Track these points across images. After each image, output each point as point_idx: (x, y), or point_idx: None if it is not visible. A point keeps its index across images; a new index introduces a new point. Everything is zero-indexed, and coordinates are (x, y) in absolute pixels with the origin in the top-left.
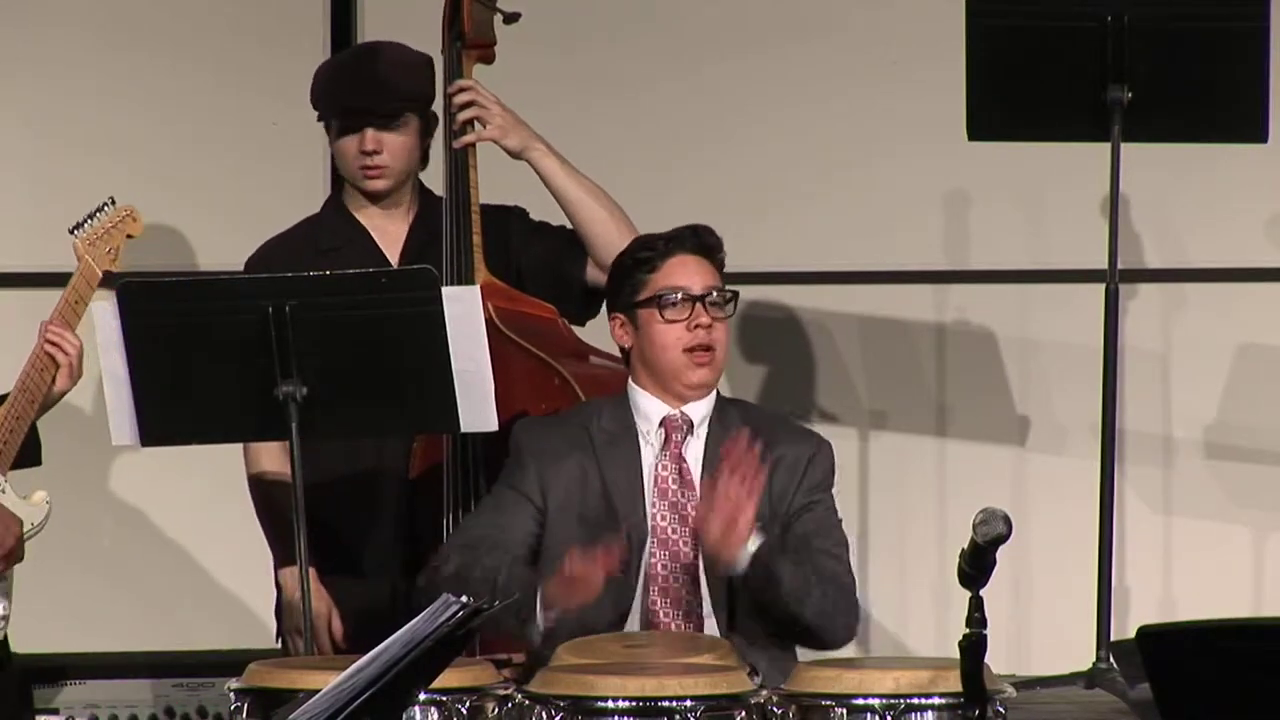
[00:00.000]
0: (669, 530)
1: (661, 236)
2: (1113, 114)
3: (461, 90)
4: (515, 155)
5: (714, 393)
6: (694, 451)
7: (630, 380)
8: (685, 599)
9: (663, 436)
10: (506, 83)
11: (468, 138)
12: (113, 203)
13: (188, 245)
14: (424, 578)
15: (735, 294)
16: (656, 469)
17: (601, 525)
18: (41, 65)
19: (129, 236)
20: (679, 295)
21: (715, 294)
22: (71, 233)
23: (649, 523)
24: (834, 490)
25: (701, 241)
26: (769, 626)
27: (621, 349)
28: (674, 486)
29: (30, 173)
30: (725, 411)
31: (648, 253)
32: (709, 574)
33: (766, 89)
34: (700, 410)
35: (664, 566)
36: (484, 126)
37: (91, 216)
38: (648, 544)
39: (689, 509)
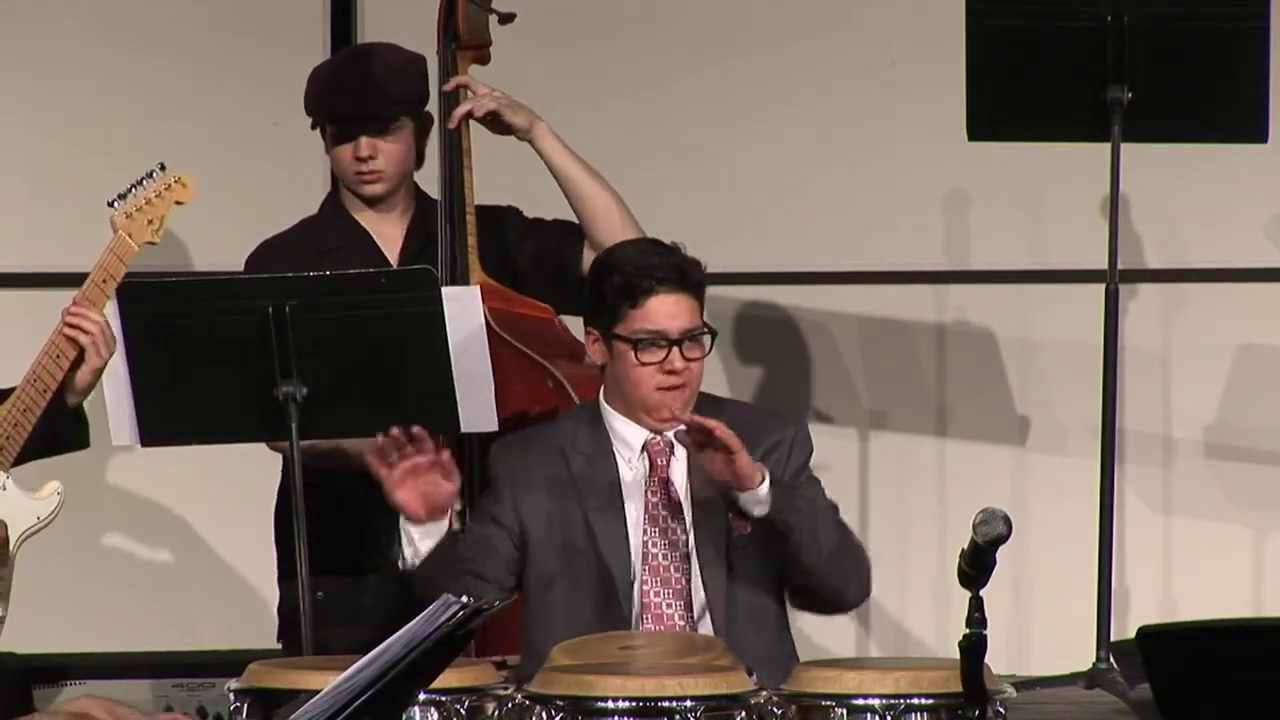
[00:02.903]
0: (660, 558)
1: (646, 271)
2: (1113, 114)
3: (459, 88)
4: (521, 133)
5: None
6: (677, 472)
7: (603, 397)
8: (680, 626)
9: (647, 462)
10: (502, 83)
11: (466, 106)
12: (162, 168)
13: (187, 245)
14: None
15: (714, 333)
16: (646, 495)
17: (584, 556)
18: (41, 65)
19: (178, 203)
20: (656, 339)
21: (692, 336)
22: (110, 205)
23: (641, 551)
24: (812, 463)
25: (686, 279)
26: (788, 587)
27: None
28: (664, 513)
29: (30, 173)
30: (700, 415)
31: (628, 285)
32: (710, 599)
33: (766, 89)
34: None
35: (657, 594)
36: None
37: (135, 186)
38: (640, 573)
39: (679, 533)
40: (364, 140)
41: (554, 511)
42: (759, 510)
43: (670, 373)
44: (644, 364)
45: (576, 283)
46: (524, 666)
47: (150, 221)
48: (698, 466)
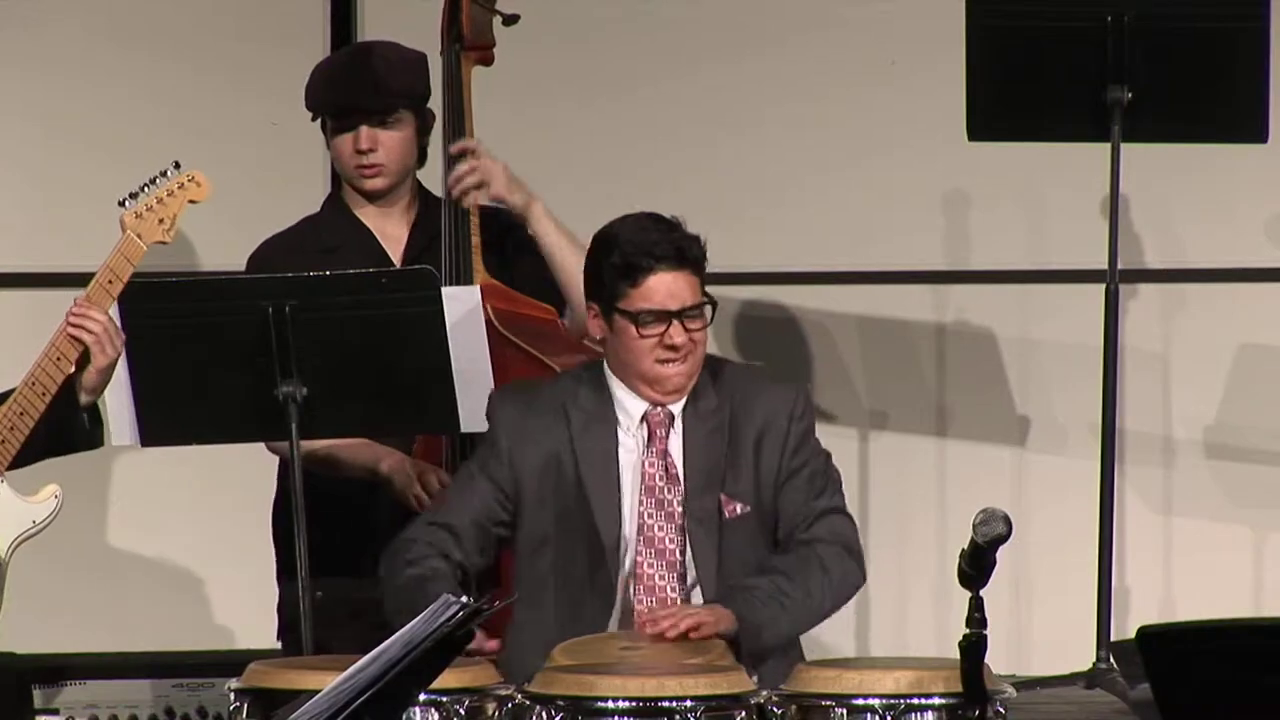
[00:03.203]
0: (655, 529)
1: (646, 249)
2: (1113, 114)
3: (464, 151)
4: (517, 211)
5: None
6: (675, 443)
7: (606, 365)
8: (672, 599)
9: (646, 432)
10: (504, 83)
11: (470, 198)
12: (177, 167)
13: (188, 245)
14: (384, 567)
15: (714, 303)
16: (643, 467)
17: (576, 519)
18: (42, 65)
19: (192, 202)
20: (654, 316)
21: (692, 309)
22: (121, 204)
23: (636, 522)
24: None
25: (685, 256)
26: None
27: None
28: (660, 484)
29: (30, 172)
30: (699, 385)
31: (628, 264)
32: (700, 574)
33: (766, 89)
34: (679, 403)
35: (650, 565)
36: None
37: (147, 185)
38: (634, 544)
39: (675, 505)
40: (364, 130)
41: (550, 472)
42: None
43: (671, 347)
44: (645, 337)
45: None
46: (511, 634)
47: (162, 221)
48: (694, 442)
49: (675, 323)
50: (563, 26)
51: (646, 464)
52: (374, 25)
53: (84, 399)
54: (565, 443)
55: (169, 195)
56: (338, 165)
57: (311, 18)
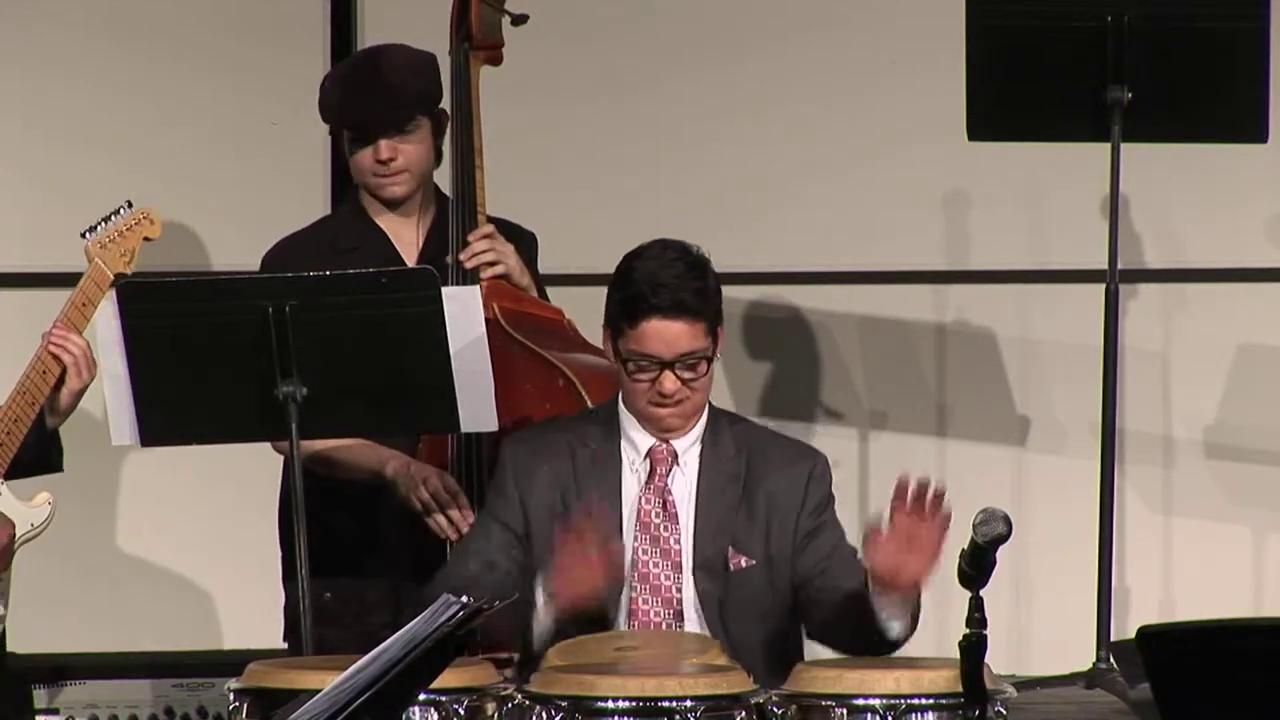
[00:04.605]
0: (651, 565)
1: (648, 295)
2: (1113, 114)
3: (484, 238)
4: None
5: (703, 417)
6: (681, 483)
7: (621, 395)
8: None
9: (648, 469)
10: (509, 81)
11: (484, 271)
12: (129, 205)
13: (187, 245)
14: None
15: (709, 357)
16: (639, 503)
17: None
18: (42, 65)
19: (146, 239)
20: (646, 361)
21: (687, 358)
22: (83, 236)
23: (631, 558)
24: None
25: (685, 306)
26: (842, 640)
27: None
28: (657, 520)
29: (30, 173)
30: (718, 432)
31: (629, 305)
32: (705, 617)
33: (766, 88)
34: (687, 441)
35: (645, 602)
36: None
37: (106, 220)
38: (629, 580)
39: (672, 543)
40: (383, 143)
41: (554, 509)
42: (897, 630)
43: (662, 393)
44: (636, 380)
45: None
46: (522, 663)
47: (123, 254)
48: (708, 487)
49: (667, 371)
50: (566, 26)
51: (643, 501)
52: (374, 25)
53: (51, 422)
54: (570, 484)
55: (128, 229)
56: (357, 177)
57: (311, 18)
